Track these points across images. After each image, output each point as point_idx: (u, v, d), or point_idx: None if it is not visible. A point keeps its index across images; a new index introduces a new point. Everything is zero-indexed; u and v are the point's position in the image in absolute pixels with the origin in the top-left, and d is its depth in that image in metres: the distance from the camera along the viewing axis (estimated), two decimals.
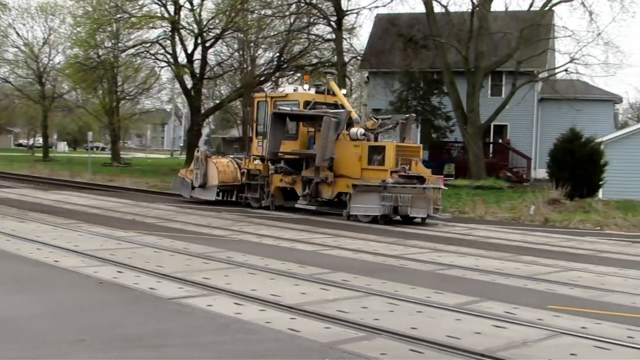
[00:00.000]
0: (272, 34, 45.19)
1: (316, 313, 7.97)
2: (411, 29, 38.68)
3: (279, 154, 20.90)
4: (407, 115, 21.90)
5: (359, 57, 45.03)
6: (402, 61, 38.04)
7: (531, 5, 37.20)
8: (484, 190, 30.76)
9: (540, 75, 40.33)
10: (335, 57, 42.32)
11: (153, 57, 48.27)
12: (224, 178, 22.74)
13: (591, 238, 17.72)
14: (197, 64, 46.94)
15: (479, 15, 35.84)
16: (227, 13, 42.82)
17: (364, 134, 20.04)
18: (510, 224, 20.75)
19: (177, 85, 55.35)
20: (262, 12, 42.92)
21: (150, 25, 44.26)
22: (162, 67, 50.60)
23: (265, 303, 8.40)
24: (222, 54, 50.47)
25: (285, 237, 15.10)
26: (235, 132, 68.71)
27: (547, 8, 37.89)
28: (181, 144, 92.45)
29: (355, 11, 57.37)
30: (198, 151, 24.04)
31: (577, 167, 25.56)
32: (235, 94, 49.11)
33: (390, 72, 40.18)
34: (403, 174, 19.16)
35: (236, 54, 48.99)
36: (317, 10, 42.16)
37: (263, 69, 47.91)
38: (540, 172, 38.77)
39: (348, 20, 43.16)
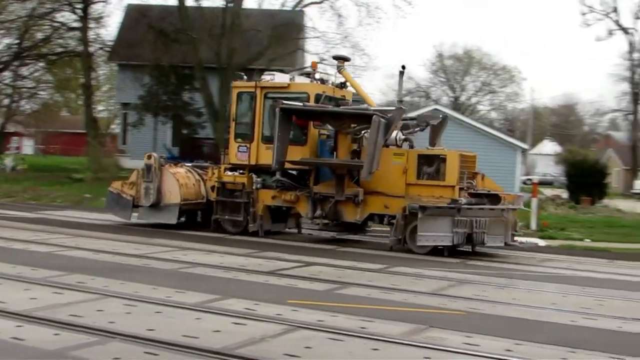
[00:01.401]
0: (10, 18, 42.15)
1: (46, 319, 7.54)
2: (162, 22, 38.10)
3: (288, 164, 16.16)
4: (442, 116, 18.11)
5: (106, 48, 43.52)
6: (152, 54, 37.35)
7: (283, 4, 38.40)
8: None
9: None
10: (82, 46, 40.55)
11: None
12: (186, 194, 17.55)
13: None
14: None
15: (231, 12, 36.22)
16: None
17: (406, 139, 16.44)
18: None
19: None
20: None
21: None
22: None
23: None
24: None
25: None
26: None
27: (298, 8, 39.28)
28: None
29: None
30: (150, 157, 17.68)
31: None
32: None
33: (140, 65, 39.24)
34: (472, 191, 15.68)
35: None
36: None
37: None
38: None
39: (95, 9, 41.55)
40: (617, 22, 52.01)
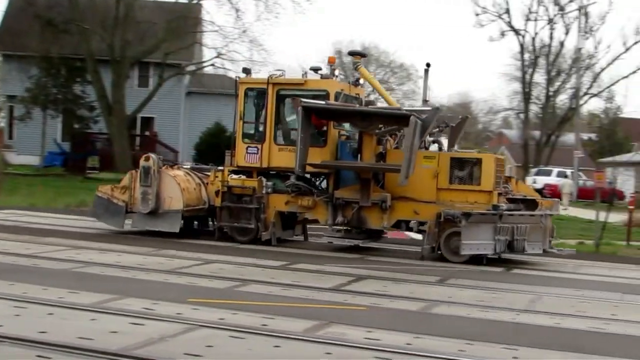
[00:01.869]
0: None
1: None
2: (50, 11, 36.83)
3: (309, 167, 15.11)
4: (462, 117, 16.87)
5: None
6: (40, 45, 36.05)
7: None
8: None
9: (188, 69, 41.25)
10: None
11: None
12: (188, 199, 16.01)
13: None
14: None
15: (125, 3, 35.42)
16: None
17: (434, 141, 15.73)
18: None
19: None
20: None
21: None
22: None
23: None
24: None
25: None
26: None
27: (194, 1, 38.81)
28: None
29: None
30: (148, 159, 16.07)
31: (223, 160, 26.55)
32: None
33: (27, 56, 37.83)
34: (510, 196, 15.32)
35: None
36: None
37: None
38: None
39: None
40: (509, 24, 53.96)
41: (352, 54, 17.76)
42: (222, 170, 16.15)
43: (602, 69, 52.45)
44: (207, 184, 16.37)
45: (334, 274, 12.21)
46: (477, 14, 53.00)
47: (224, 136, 27.55)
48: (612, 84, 54.72)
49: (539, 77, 56.49)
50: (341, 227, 15.55)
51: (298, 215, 16.18)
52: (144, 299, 8.92)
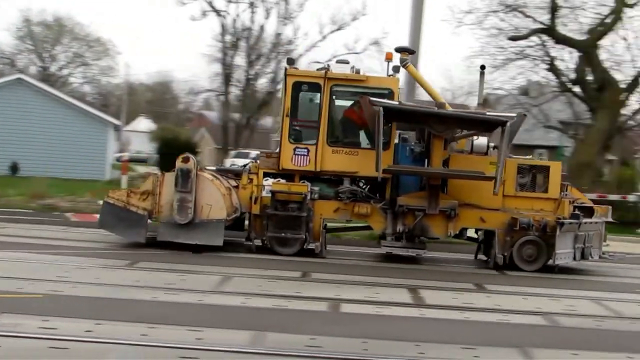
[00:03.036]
0: None
1: None
2: None
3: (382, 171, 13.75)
4: (516, 114, 14.67)
5: None
6: None
7: None
8: None
9: None
10: None
11: None
12: (229, 207, 14.14)
13: None
14: None
15: None
16: None
17: (495, 146, 14.65)
18: None
19: None
20: None
21: None
22: None
23: None
24: None
25: None
26: None
27: None
28: None
29: None
30: (187, 160, 14.04)
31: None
32: None
33: None
34: (577, 204, 15.09)
35: None
36: None
37: None
38: None
39: None
40: (210, 4, 54.50)
41: (399, 50, 15.96)
42: (256, 174, 14.71)
43: (300, 55, 55.20)
44: (239, 188, 14.73)
45: None
46: None
47: None
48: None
49: (240, 60, 57.92)
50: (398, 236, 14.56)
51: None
52: None
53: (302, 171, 14.71)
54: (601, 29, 28.76)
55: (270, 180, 14.81)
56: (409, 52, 15.78)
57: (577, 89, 30.49)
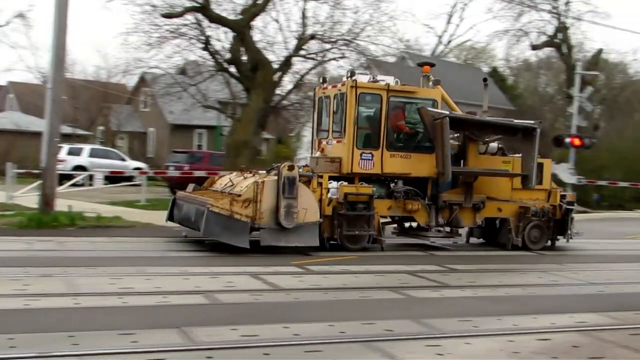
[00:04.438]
0: None
1: None
2: None
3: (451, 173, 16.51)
4: (533, 122, 17.75)
5: None
6: None
7: None
8: None
9: None
10: None
11: None
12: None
13: None
14: None
15: None
16: None
17: (500, 147, 18.15)
18: None
19: None
20: None
21: None
22: None
23: None
24: None
25: None
26: None
27: None
28: None
29: None
30: (292, 169, 15.03)
31: None
32: None
33: None
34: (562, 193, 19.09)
35: None
36: None
37: None
38: None
39: None
40: None
41: (422, 65, 18.55)
42: (322, 178, 16.04)
43: None
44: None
45: None
46: None
47: None
48: None
49: None
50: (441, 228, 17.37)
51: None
52: None
53: (366, 174, 16.48)
54: (253, 10, 29.86)
55: (334, 183, 16.35)
56: (430, 65, 18.31)
57: (232, 69, 31.33)
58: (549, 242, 18.00)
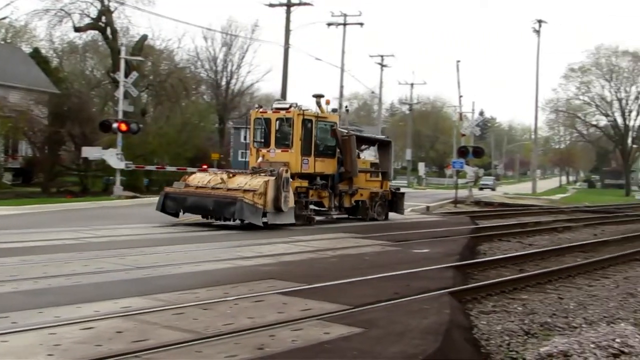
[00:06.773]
0: None
1: None
2: None
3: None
4: (387, 137, 32.77)
5: None
6: None
7: None
8: None
9: None
10: None
11: None
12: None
13: None
14: None
15: None
16: None
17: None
18: None
19: None
20: None
21: None
22: None
23: None
24: None
25: None
26: None
27: None
28: None
29: None
30: (287, 171, 23.15)
31: None
32: None
33: None
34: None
35: None
36: None
37: None
38: None
39: None
40: None
41: (315, 96, 25.78)
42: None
43: None
44: None
45: None
46: None
47: None
48: None
49: None
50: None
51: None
52: None
53: (305, 173, 24.34)
54: None
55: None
56: (321, 96, 25.58)
57: None
58: (384, 217, 27.57)
